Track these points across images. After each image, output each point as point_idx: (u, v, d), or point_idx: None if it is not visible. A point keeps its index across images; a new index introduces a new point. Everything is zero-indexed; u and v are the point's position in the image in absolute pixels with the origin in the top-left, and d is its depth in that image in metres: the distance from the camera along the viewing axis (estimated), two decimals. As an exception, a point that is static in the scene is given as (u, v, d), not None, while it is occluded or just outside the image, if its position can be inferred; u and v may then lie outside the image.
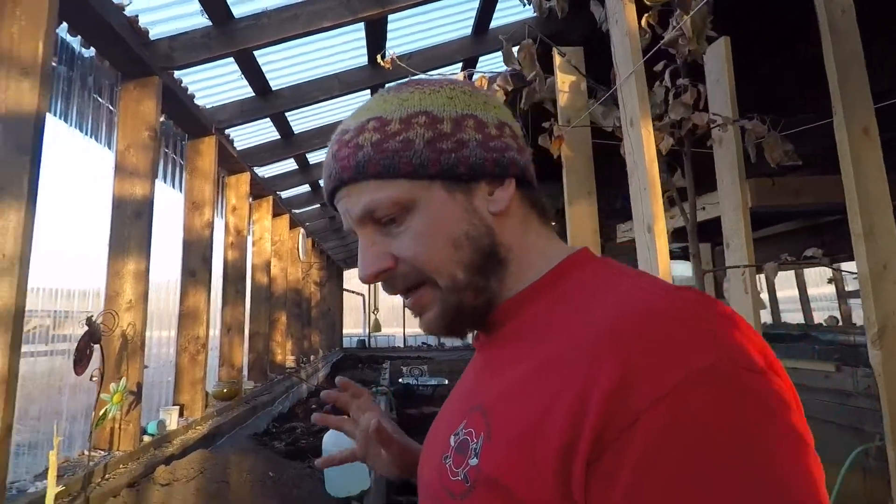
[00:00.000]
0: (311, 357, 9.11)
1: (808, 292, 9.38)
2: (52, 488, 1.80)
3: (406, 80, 0.58)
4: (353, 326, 16.12)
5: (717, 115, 1.74)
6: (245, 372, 5.46)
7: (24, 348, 2.86)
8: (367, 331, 15.49)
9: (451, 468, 0.47)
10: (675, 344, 0.38)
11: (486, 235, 0.52)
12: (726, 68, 2.04)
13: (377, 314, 14.62)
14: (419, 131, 0.50)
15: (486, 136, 0.52)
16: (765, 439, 0.35)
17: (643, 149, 1.45)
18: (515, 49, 1.86)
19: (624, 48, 1.54)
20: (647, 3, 1.80)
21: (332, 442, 2.72)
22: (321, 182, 0.53)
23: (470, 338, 0.59)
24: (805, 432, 0.37)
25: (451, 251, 0.50)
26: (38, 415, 2.96)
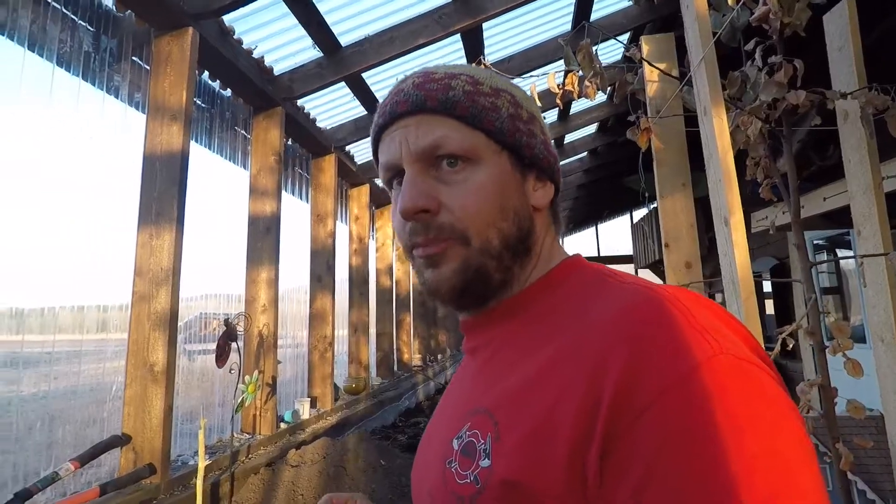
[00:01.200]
0: (438, 356, 9.49)
1: None
2: (202, 461, 2.18)
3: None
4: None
5: (817, 90, 1.56)
6: (373, 369, 5.91)
7: (208, 346, 3.38)
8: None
9: (458, 471, 0.46)
10: (680, 337, 0.39)
11: (528, 219, 0.54)
12: (850, 34, 1.81)
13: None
14: (505, 104, 0.53)
15: (545, 141, 0.57)
16: (769, 426, 0.36)
17: (716, 139, 1.37)
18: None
19: (695, 33, 1.46)
20: (734, -23, 1.68)
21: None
22: (375, 126, 0.55)
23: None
24: (800, 420, 0.38)
25: (497, 216, 0.51)
26: (221, 402, 3.44)
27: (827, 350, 1.55)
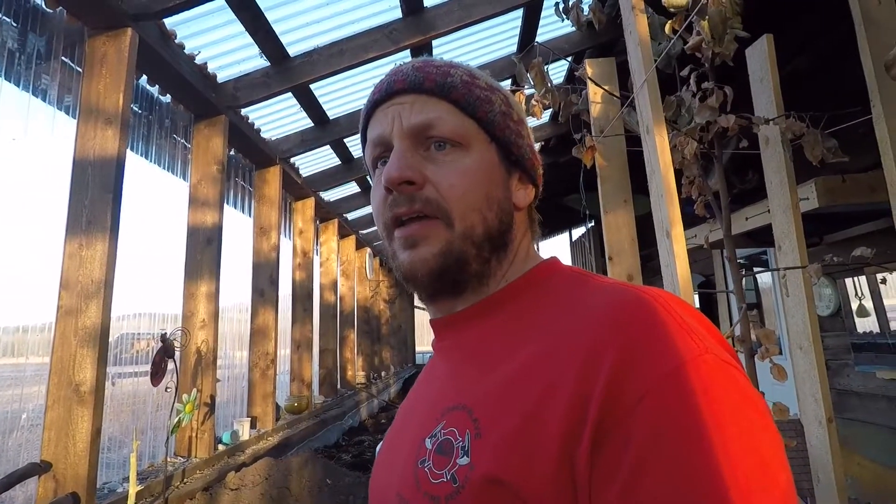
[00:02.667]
0: (383, 373, 9.35)
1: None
2: (132, 487, 2.03)
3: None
4: (427, 344, 16.30)
5: (744, 115, 1.69)
6: (316, 387, 5.74)
7: (129, 368, 3.18)
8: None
9: (432, 471, 0.44)
10: (665, 335, 0.40)
11: (509, 214, 0.54)
12: (769, 66, 1.98)
13: (446, 330, 14.69)
14: (499, 101, 0.55)
15: (532, 146, 0.59)
16: (750, 424, 0.37)
17: (658, 156, 1.45)
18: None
19: (637, 57, 1.55)
20: (671, 9, 1.80)
21: (385, 452, 2.83)
22: (369, 102, 0.55)
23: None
24: (772, 420, 0.40)
25: (483, 202, 0.51)
26: (152, 425, 3.23)
27: (756, 356, 1.67)
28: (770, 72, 1.96)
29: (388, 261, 0.57)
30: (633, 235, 2.22)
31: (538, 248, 0.63)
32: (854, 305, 6.00)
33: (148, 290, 3.28)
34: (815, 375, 1.74)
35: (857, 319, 6.04)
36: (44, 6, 2.30)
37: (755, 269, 5.31)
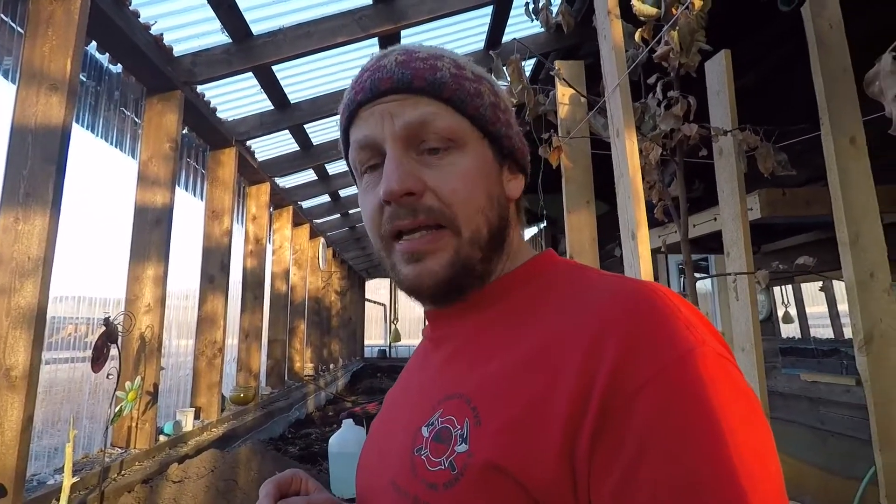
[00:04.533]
0: (331, 365, 9.22)
1: (839, 307, 9.13)
2: (67, 479, 1.91)
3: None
4: (375, 337, 16.22)
5: (706, 125, 1.77)
6: (263, 378, 5.59)
7: (60, 354, 2.99)
8: (387, 341, 15.58)
9: (430, 458, 0.44)
10: (665, 325, 0.40)
11: (506, 209, 0.54)
12: (726, 80, 2.07)
13: (396, 324, 14.70)
14: (487, 92, 0.53)
15: (519, 133, 0.56)
16: (746, 415, 0.38)
17: (627, 159, 1.49)
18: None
19: (611, 62, 1.59)
20: (641, 18, 1.85)
21: (338, 444, 2.79)
22: (351, 101, 0.51)
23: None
24: (764, 413, 0.41)
25: (485, 204, 0.50)
26: (69, 418, 3.07)
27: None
28: (727, 85, 2.06)
29: (386, 271, 0.55)
30: (594, 236, 2.28)
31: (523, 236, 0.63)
32: (780, 312, 6.40)
33: (77, 272, 3.09)
34: (754, 375, 1.84)
35: (782, 325, 6.46)
36: (-16, -43, 2.12)
37: (710, 274, 5.56)
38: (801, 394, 4.21)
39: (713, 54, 2.06)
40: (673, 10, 1.69)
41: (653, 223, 2.25)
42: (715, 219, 3.71)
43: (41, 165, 2.03)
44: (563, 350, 0.42)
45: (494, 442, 0.41)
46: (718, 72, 2.10)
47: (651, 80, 1.92)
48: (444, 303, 0.54)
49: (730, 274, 1.87)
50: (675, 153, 1.89)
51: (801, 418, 4.03)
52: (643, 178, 2.04)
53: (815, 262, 1.85)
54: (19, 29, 2.29)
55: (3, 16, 2.29)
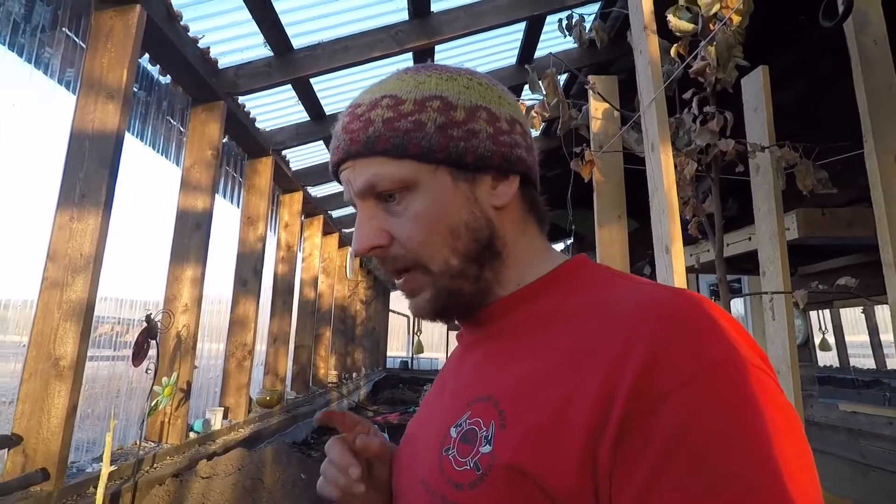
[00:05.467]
0: (354, 374, 9.28)
1: (881, 337, 8.73)
2: (106, 466, 1.98)
3: (426, 63, 0.58)
4: (398, 348, 16.25)
5: (743, 141, 1.76)
6: (288, 382, 5.67)
7: (100, 352, 3.11)
8: (410, 352, 15.58)
9: (456, 458, 0.45)
10: (696, 335, 0.40)
11: (486, 227, 0.52)
12: (764, 97, 2.06)
13: (420, 335, 14.70)
14: (431, 115, 0.50)
15: (497, 130, 0.52)
16: (778, 431, 0.37)
17: (662, 173, 1.50)
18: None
19: (647, 77, 1.60)
20: (677, 34, 1.87)
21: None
22: (332, 163, 0.57)
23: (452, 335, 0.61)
24: (802, 430, 0.39)
25: (447, 238, 0.51)
26: (109, 410, 3.16)
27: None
28: (765, 101, 2.05)
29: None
30: (625, 250, 2.28)
31: (546, 231, 0.59)
32: (817, 339, 6.17)
33: (117, 274, 3.21)
34: (791, 401, 1.80)
35: (819, 353, 6.21)
36: (52, -26, 2.27)
37: (744, 293, 5.42)
38: (840, 425, 4.06)
39: (750, 70, 2.06)
40: (710, 25, 1.70)
41: (684, 241, 2.24)
42: (750, 238, 3.64)
43: (96, 169, 2.15)
44: (590, 356, 0.42)
45: (518, 445, 0.42)
46: (756, 87, 2.09)
47: (686, 96, 1.93)
48: (459, 321, 0.57)
49: (766, 293, 1.84)
50: (711, 169, 1.88)
51: (839, 450, 3.88)
52: (677, 194, 2.05)
53: (857, 283, 1.81)
54: (81, 43, 2.43)
55: (67, 31, 2.44)
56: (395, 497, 0.56)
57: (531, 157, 0.55)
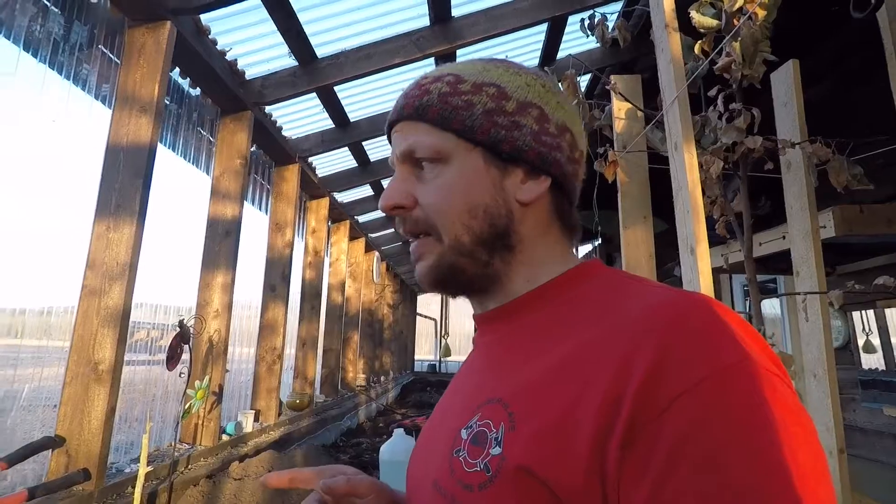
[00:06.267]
0: (382, 377, 9.35)
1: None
2: (143, 467, 2.05)
3: (502, 58, 0.60)
4: (425, 352, 16.30)
5: (772, 137, 1.72)
6: (317, 386, 5.75)
7: (136, 356, 3.21)
8: (437, 355, 15.61)
9: (466, 460, 0.46)
10: (706, 338, 0.40)
11: (504, 217, 0.53)
12: (794, 91, 2.01)
13: (447, 339, 14.72)
14: (484, 99, 0.53)
15: (543, 130, 0.54)
16: (790, 435, 0.36)
17: (686, 172, 1.48)
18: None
19: (668, 75, 1.58)
20: (701, 30, 1.83)
21: (389, 452, 2.84)
22: (388, 123, 0.61)
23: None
24: (815, 433, 0.39)
25: (464, 214, 0.52)
26: (145, 413, 3.26)
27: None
28: (795, 96, 1.99)
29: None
30: (651, 252, 2.24)
31: (574, 243, 0.60)
32: (861, 341, 5.90)
33: (150, 280, 3.31)
34: (828, 404, 1.74)
35: (863, 355, 5.93)
36: (89, -5, 2.37)
37: (778, 294, 5.27)
38: (886, 430, 3.89)
39: (779, 65, 2.01)
40: (735, 20, 1.67)
41: (715, 241, 2.19)
42: (783, 237, 3.53)
43: (130, 180, 2.23)
44: (597, 359, 0.42)
45: (526, 447, 0.42)
46: (786, 82, 2.03)
47: (712, 93, 1.89)
48: (458, 296, 0.59)
49: (799, 293, 1.79)
50: (739, 167, 1.84)
51: (884, 457, 3.72)
52: (703, 193, 2.01)
53: None
54: (116, 59, 2.53)
55: (103, 48, 2.54)
56: (408, 499, 0.57)
57: (572, 167, 0.56)
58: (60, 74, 2.37)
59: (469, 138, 0.53)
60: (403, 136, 0.55)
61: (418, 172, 0.54)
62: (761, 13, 1.61)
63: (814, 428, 0.39)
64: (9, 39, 2.09)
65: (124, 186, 2.22)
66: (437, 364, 15.42)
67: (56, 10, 2.28)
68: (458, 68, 0.56)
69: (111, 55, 2.57)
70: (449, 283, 0.55)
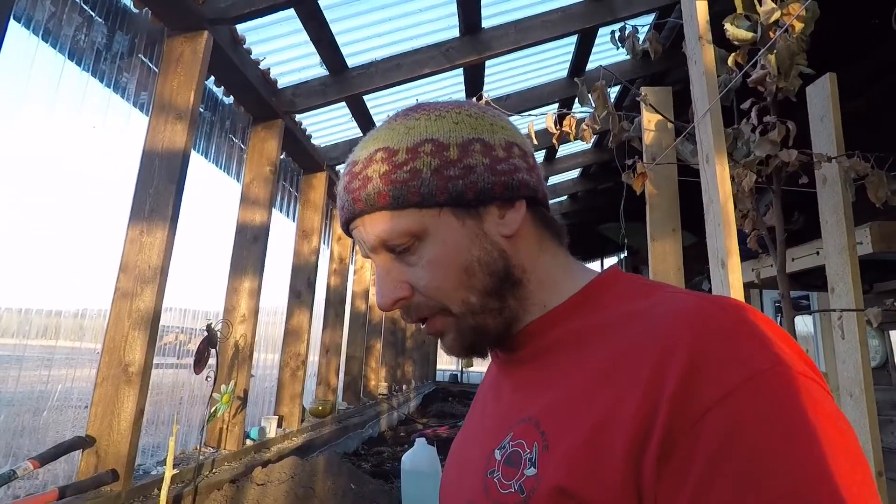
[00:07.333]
0: (404, 386, 9.35)
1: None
2: (169, 469, 2.09)
3: (414, 104, 0.58)
4: (447, 362, 16.26)
5: (807, 151, 1.68)
6: (339, 393, 5.78)
7: (164, 360, 3.28)
8: (459, 366, 15.55)
9: (501, 481, 0.46)
10: (737, 344, 0.39)
11: (500, 258, 0.52)
12: (831, 105, 1.96)
13: (469, 349, 14.60)
14: (426, 160, 0.50)
15: (494, 160, 0.52)
16: (828, 441, 0.35)
17: (717, 186, 1.45)
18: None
19: (701, 87, 1.56)
20: (735, 43, 1.80)
21: (411, 461, 2.83)
22: (342, 222, 0.60)
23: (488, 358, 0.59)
24: (855, 438, 0.38)
25: (463, 278, 0.51)
26: (172, 415, 3.30)
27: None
28: (832, 110, 1.94)
29: None
30: (680, 265, 2.20)
31: (564, 242, 0.58)
32: (899, 361, 5.67)
33: (179, 285, 3.38)
34: (865, 425, 1.68)
35: (901, 376, 5.69)
36: (131, 6, 2.46)
37: (811, 310, 5.12)
38: (925, 454, 3.72)
39: (816, 78, 1.96)
40: (770, 33, 1.64)
41: (746, 255, 2.13)
42: (817, 252, 3.43)
43: (165, 185, 2.29)
44: (627, 371, 0.42)
45: (561, 466, 0.42)
46: (822, 96, 1.99)
47: (745, 105, 1.86)
48: (485, 354, 0.57)
49: (834, 310, 1.73)
50: (772, 181, 1.80)
51: (923, 482, 3.55)
52: (735, 207, 1.96)
53: (938, 301, 1.67)
54: (155, 68, 2.62)
55: (143, 57, 2.63)
56: None
57: (534, 176, 0.55)
58: (101, 82, 2.46)
59: (431, 205, 0.50)
60: (366, 231, 0.52)
61: (399, 257, 0.52)
62: (798, 26, 1.58)
63: (853, 433, 0.38)
64: (55, 48, 2.18)
65: (158, 191, 2.29)
66: (459, 374, 15.36)
67: (100, 19, 2.37)
68: (382, 139, 0.53)
69: (150, 64, 2.66)
70: (478, 344, 0.54)
